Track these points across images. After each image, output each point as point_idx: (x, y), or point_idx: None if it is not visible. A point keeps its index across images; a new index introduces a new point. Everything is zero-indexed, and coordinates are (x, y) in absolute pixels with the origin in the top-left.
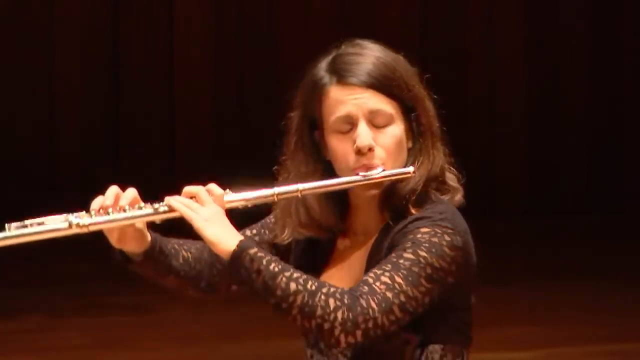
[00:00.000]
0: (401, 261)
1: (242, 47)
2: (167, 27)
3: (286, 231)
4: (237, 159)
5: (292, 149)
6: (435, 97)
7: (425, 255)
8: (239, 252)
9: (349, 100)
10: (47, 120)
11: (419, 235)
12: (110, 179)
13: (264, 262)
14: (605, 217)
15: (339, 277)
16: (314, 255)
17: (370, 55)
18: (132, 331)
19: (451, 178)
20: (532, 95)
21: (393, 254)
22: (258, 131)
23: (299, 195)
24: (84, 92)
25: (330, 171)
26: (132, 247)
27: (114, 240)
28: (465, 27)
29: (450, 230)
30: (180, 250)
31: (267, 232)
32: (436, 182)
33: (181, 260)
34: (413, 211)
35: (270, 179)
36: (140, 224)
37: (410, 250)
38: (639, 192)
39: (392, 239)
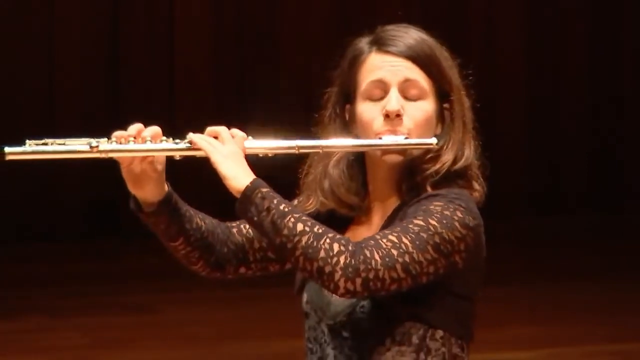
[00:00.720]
0: (410, 226)
1: (242, 47)
2: (167, 27)
3: (311, 199)
4: None
5: (325, 122)
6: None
7: (435, 224)
8: (252, 189)
9: (385, 66)
10: (47, 120)
11: (431, 207)
12: (111, 179)
13: (275, 201)
14: (605, 217)
15: None
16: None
17: (413, 33)
18: (132, 331)
19: (474, 184)
20: (532, 95)
21: (404, 221)
22: (258, 131)
23: (321, 151)
24: (84, 92)
25: None
26: (148, 194)
27: (131, 182)
28: (465, 27)
29: (462, 209)
30: (195, 216)
31: None
32: (461, 179)
33: (194, 226)
34: (429, 190)
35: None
36: (160, 166)
37: (420, 218)
38: (639, 192)
39: (405, 212)
